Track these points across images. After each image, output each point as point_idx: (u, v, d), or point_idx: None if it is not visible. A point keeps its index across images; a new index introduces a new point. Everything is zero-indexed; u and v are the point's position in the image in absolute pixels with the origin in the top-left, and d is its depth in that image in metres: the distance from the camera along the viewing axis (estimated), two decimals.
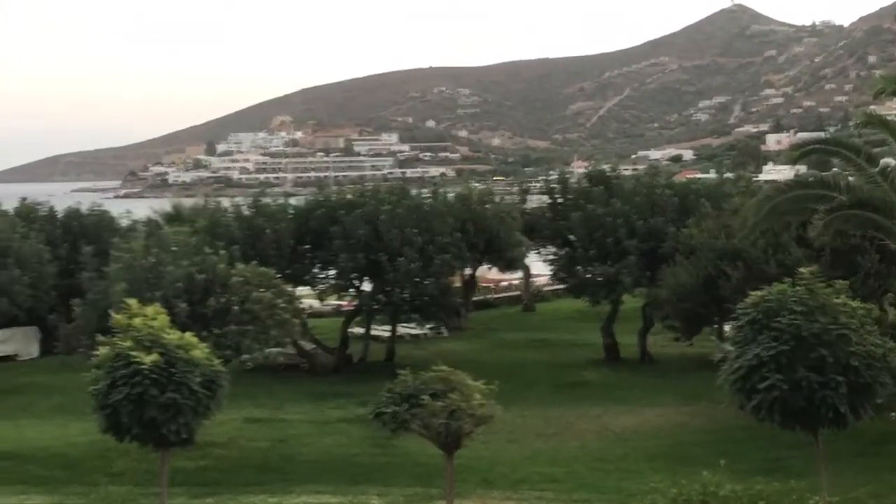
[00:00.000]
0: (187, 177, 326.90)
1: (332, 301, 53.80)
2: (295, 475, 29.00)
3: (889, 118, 25.52)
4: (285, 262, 42.79)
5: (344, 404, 37.80)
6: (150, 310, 22.98)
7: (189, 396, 21.85)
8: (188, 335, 22.85)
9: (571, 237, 45.83)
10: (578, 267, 45.57)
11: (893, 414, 23.47)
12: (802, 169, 59.02)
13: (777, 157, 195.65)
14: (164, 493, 23.43)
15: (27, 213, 51.21)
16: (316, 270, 46.08)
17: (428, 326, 51.81)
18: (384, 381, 22.32)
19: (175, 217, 47.80)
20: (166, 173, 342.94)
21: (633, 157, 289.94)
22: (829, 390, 20.40)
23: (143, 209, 55.90)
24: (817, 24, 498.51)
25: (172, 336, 22.33)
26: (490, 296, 66.34)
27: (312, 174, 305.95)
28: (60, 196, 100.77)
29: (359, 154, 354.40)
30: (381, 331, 49.51)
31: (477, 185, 68.68)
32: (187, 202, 53.52)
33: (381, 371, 36.03)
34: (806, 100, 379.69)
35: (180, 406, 21.70)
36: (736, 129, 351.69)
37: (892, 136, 23.99)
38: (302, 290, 46.44)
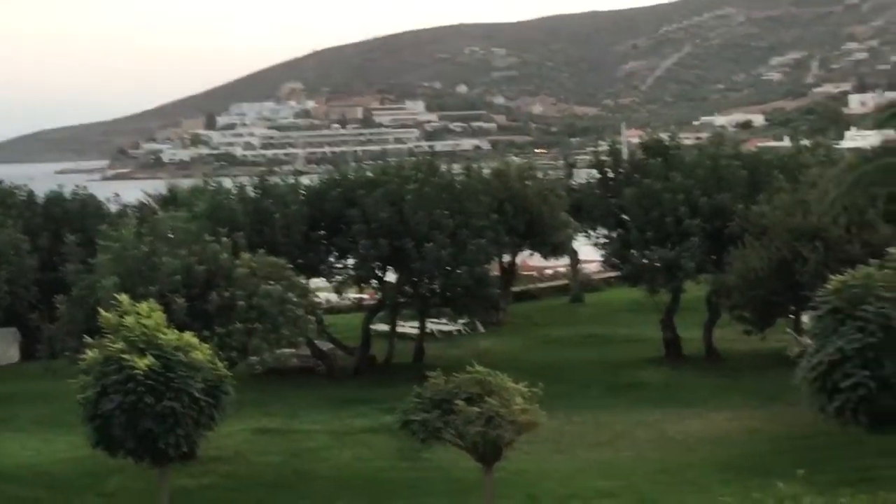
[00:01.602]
0: (184, 154, 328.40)
1: (352, 294, 54.00)
2: (312, 493, 29.18)
3: None
4: (297, 250, 42.94)
5: (367, 412, 37.95)
6: (143, 306, 23.18)
7: (189, 405, 22.05)
8: (187, 335, 23.04)
9: (625, 217, 45.77)
10: (633, 251, 45.46)
11: None
12: (891, 134, 58.51)
13: (861, 121, 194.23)
14: None
15: (3, 199, 51.61)
16: (332, 259, 46.19)
17: (461, 322, 51.97)
18: (412, 385, 22.44)
19: (171, 200, 48.32)
20: (160, 151, 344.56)
21: (696, 123, 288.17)
22: None
23: (134, 192, 56.49)
24: None
25: (170, 336, 22.52)
26: (532, 285, 66.36)
27: (327, 149, 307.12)
28: (41, 178, 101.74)
29: (380, 125, 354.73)
30: (408, 327, 49.65)
31: (516, 158, 68.77)
32: (184, 183, 53.98)
33: (409, 373, 36.08)
34: (894, 54, 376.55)
35: (179, 416, 21.89)
36: (813, 90, 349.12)
37: None
38: (317, 283, 46.62)
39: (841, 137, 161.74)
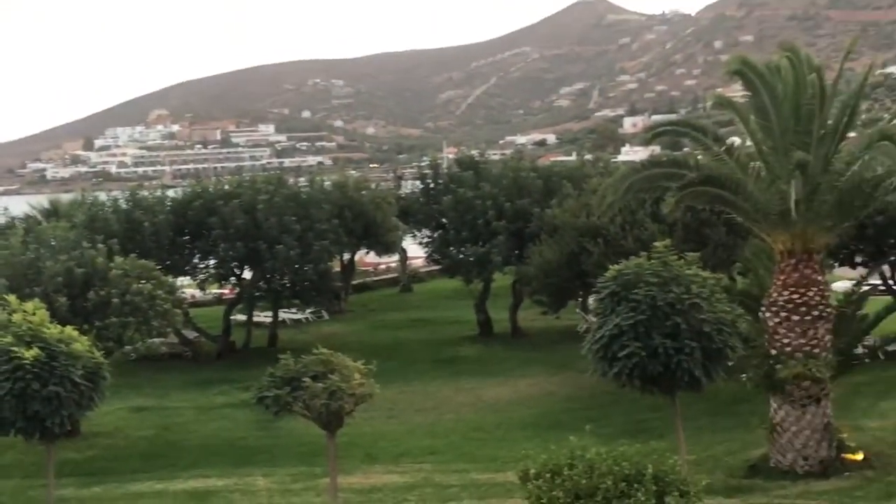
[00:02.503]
0: (66, 172, 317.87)
1: (214, 290, 52.99)
2: (181, 461, 28.56)
3: (735, 100, 26.15)
4: (165, 253, 41.97)
5: (228, 390, 37.33)
6: (29, 305, 22.41)
7: (72, 389, 21.39)
8: (69, 329, 22.34)
9: (444, 220, 46.02)
10: (451, 248, 45.79)
11: (744, 376, 24.17)
12: (657, 149, 60.17)
13: (633, 139, 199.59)
14: (51, 484, 22.87)
15: None
16: (196, 261, 45.26)
17: (309, 311, 51.56)
18: (267, 366, 22.09)
19: (53, 213, 46.51)
20: (44, 170, 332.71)
21: (501, 142, 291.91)
22: (684, 355, 20.93)
23: (21, 206, 54.19)
24: (667, 12, 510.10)
25: (53, 330, 21.82)
26: (369, 279, 66.24)
27: (191, 166, 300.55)
28: None
29: (236, 145, 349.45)
30: (263, 317, 49.00)
31: (353, 172, 68.39)
32: (65, 198, 52.09)
33: (264, 356, 35.66)
34: (658, 84, 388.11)
35: (63, 399, 21.23)
36: (595, 114, 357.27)
37: (739, 116, 24.60)
38: (182, 281, 45.58)
39: (617, 153, 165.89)
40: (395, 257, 63.70)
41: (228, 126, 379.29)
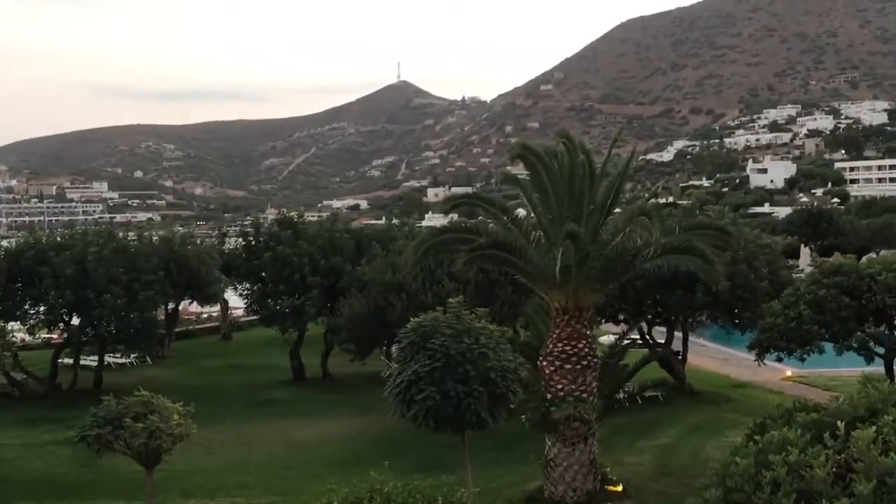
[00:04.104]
0: None
1: (43, 335, 50.23)
2: (9, 494, 26.78)
3: (521, 177, 26.90)
4: None
5: (54, 428, 35.23)
6: None
7: None
8: None
9: (263, 274, 45.34)
10: (269, 300, 45.12)
11: (524, 417, 24.66)
12: (455, 216, 61.31)
13: (435, 208, 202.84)
14: None
15: None
16: (27, 307, 42.91)
17: (133, 356, 49.51)
18: (91, 406, 21.07)
19: None
20: None
21: (319, 205, 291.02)
22: (473, 399, 21.21)
23: None
24: (466, 99, 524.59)
25: None
26: (191, 327, 64.26)
27: (26, 219, 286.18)
28: None
29: (71, 201, 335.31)
30: (90, 361, 46.69)
31: (180, 229, 66.74)
32: None
33: (89, 397, 33.76)
34: (457, 161, 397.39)
35: None
36: (403, 184, 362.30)
37: (523, 191, 25.31)
38: (13, 325, 43.12)
39: (422, 219, 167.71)
40: (217, 307, 62.17)
41: (64, 183, 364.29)
